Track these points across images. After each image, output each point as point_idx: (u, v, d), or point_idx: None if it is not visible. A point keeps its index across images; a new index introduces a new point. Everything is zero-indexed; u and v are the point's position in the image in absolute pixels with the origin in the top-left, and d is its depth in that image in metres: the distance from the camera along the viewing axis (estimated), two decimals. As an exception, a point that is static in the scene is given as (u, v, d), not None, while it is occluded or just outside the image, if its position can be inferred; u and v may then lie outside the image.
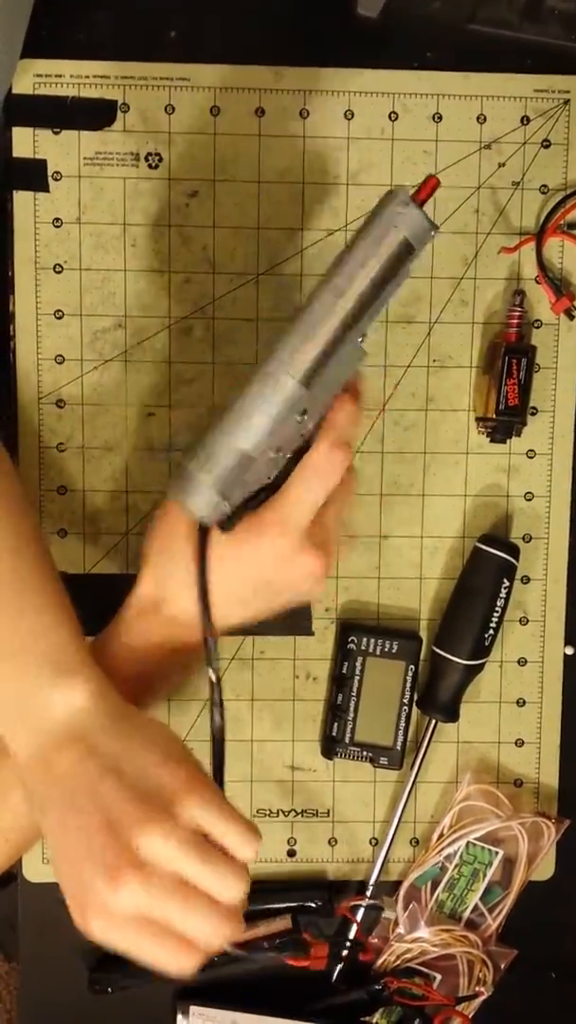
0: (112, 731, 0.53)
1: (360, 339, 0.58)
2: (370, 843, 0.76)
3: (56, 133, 0.71)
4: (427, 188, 0.57)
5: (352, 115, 0.72)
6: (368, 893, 0.75)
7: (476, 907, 0.76)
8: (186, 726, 0.74)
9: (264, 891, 0.73)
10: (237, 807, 0.53)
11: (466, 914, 0.76)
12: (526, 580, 0.76)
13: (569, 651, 0.76)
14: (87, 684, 0.54)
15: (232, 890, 0.51)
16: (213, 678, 0.58)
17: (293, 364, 0.56)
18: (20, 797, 0.56)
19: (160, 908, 0.49)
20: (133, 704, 0.63)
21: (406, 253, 0.57)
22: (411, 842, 0.76)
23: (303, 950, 0.73)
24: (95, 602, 0.72)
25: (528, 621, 0.76)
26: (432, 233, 0.57)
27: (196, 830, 0.51)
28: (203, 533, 0.57)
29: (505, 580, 0.73)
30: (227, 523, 0.57)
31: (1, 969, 1.39)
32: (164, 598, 0.61)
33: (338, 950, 0.74)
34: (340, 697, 0.74)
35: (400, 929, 0.75)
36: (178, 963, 0.51)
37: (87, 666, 0.54)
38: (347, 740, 0.74)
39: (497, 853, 0.75)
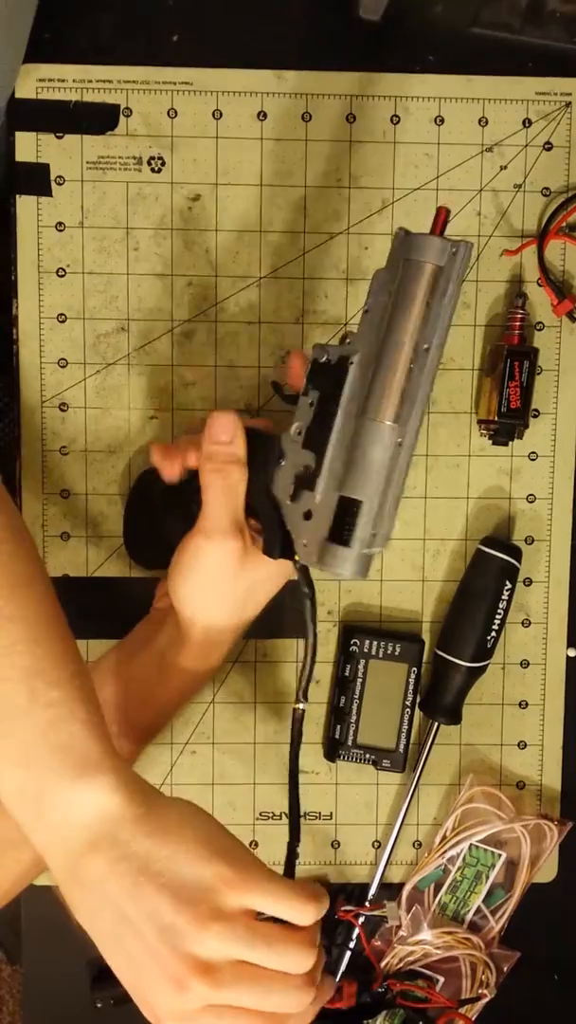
0: (142, 829, 0.50)
1: (426, 348, 0.58)
2: (373, 846, 0.76)
3: (59, 137, 0.71)
4: (440, 220, 0.59)
5: (354, 118, 0.72)
6: (370, 896, 0.75)
7: (479, 909, 0.76)
8: (191, 725, 0.74)
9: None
10: (282, 879, 0.52)
11: (469, 916, 0.76)
12: (528, 582, 0.76)
13: (571, 653, 0.76)
14: (109, 778, 0.51)
15: (300, 965, 0.50)
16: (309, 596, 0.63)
17: (382, 410, 0.59)
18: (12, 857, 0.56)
19: (234, 999, 0.49)
20: (153, 716, 0.65)
21: (437, 278, 0.58)
22: (414, 844, 0.76)
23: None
24: (98, 605, 0.73)
25: (530, 623, 0.76)
26: (453, 250, 0.58)
27: (250, 916, 0.50)
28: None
29: (507, 582, 0.73)
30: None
31: (3, 972, 1.39)
32: (177, 610, 0.65)
33: (366, 982, 0.74)
34: (342, 700, 0.74)
35: (403, 932, 0.75)
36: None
37: (107, 757, 0.51)
38: (349, 743, 0.74)
39: (500, 855, 0.75)
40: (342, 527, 0.59)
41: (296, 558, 0.62)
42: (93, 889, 0.50)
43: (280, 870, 0.70)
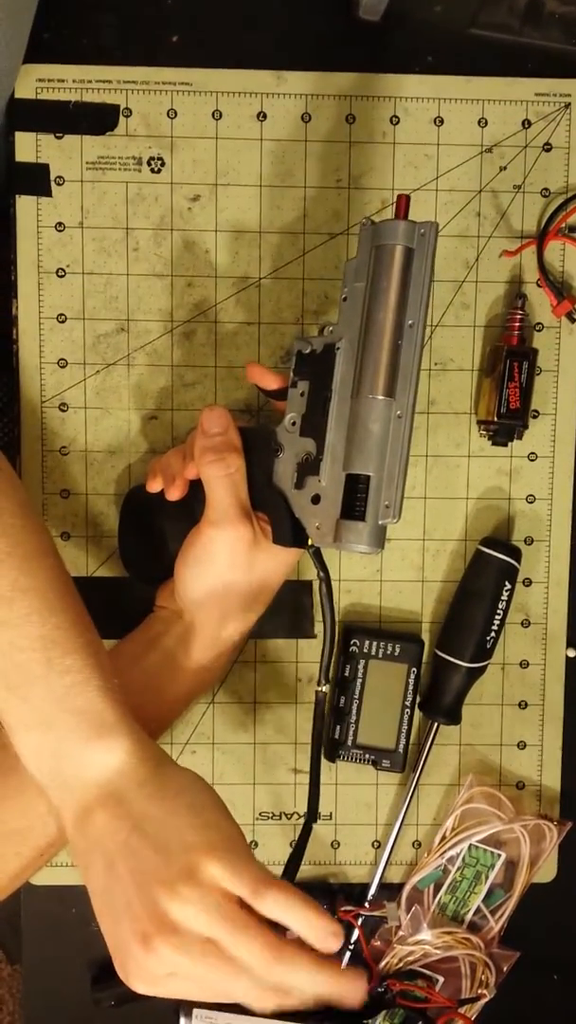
0: (146, 790, 0.53)
1: (410, 324, 0.61)
2: (372, 846, 0.76)
3: (59, 138, 0.71)
4: (401, 206, 0.61)
5: (353, 119, 0.72)
6: (370, 896, 0.75)
7: (478, 909, 0.76)
8: (191, 725, 0.74)
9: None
10: (262, 870, 0.52)
11: (468, 916, 0.76)
12: (528, 583, 0.76)
13: (571, 653, 0.76)
14: (122, 741, 0.53)
15: (259, 962, 0.50)
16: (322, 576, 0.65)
17: (375, 385, 0.60)
18: (45, 806, 0.57)
19: (194, 968, 0.50)
20: (162, 710, 0.66)
21: (409, 258, 0.61)
22: (413, 845, 0.76)
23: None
24: (98, 605, 0.72)
25: (530, 624, 0.76)
26: (421, 231, 0.60)
27: (224, 892, 0.50)
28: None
29: (507, 583, 0.73)
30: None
31: (3, 972, 1.39)
32: (185, 608, 0.66)
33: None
34: (342, 700, 0.74)
35: (402, 932, 0.75)
36: (228, 1000, 0.51)
37: (121, 722, 0.54)
38: (349, 743, 0.74)
39: (499, 855, 0.75)
40: (353, 504, 0.61)
41: (309, 542, 0.63)
42: (93, 840, 0.53)
43: (279, 871, 0.70)
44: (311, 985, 0.52)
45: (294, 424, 0.64)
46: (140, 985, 0.51)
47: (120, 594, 0.73)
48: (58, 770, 0.53)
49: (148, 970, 0.50)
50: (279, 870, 0.73)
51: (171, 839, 0.51)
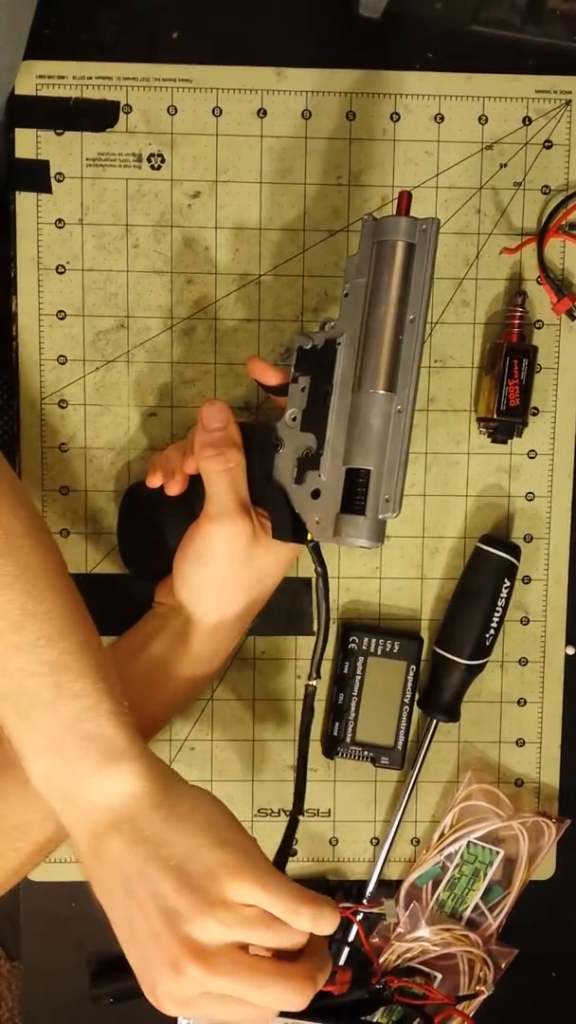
0: (159, 813, 0.52)
1: (411, 319, 0.61)
2: (371, 843, 0.76)
3: (59, 134, 0.71)
4: (403, 203, 0.62)
5: (354, 116, 0.72)
6: (369, 893, 0.75)
7: (477, 906, 0.76)
8: (190, 721, 0.74)
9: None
10: (285, 879, 0.52)
11: (467, 913, 0.76)
12: (527, 580, 0.76)
13: (570, 651, 0.76)
14: (133, 765, 0.53)
15: (299, 941, 0.51)
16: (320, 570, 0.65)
17: (376, 380, 0.61)
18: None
19: (228, 988, 0.50)
20: (160, 705, 0.66)
21: (410, 254, 0.61)
22: (412, 842, 0.77)
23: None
24: (97, 602, 0.72)
25: (529, 621, 0.76)
26: (423, 227, 0.61)
27: (250, 909, 0.50)
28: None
29: (506, 580, 0.73)
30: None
31: (2, 968, 1.39)
32: (184, 603, 0.66)
33: (362, 976, 0.74)
34: (341, 697, 0.74)
35: (401, 929, 0.75)
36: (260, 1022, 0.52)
37: (132, 744, 0.53)
38: (348, 740, 0.74)
39: (498, 853, 0.75)
40: (353, 498, 0.61)
41: (308, 537, 0.63)
42: (110, 867, 0.52)
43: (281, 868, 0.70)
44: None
45: (294, 419, 0.64)
46: (172, 1009, 0.51)
47: (119, 591, 0.73)
48: (69, 795, 0.53)
49: (180, 994, 0.50)
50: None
51: (190, 863, 0.51)
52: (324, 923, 0.52)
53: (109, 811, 0.52)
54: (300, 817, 0.67)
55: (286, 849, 0.66)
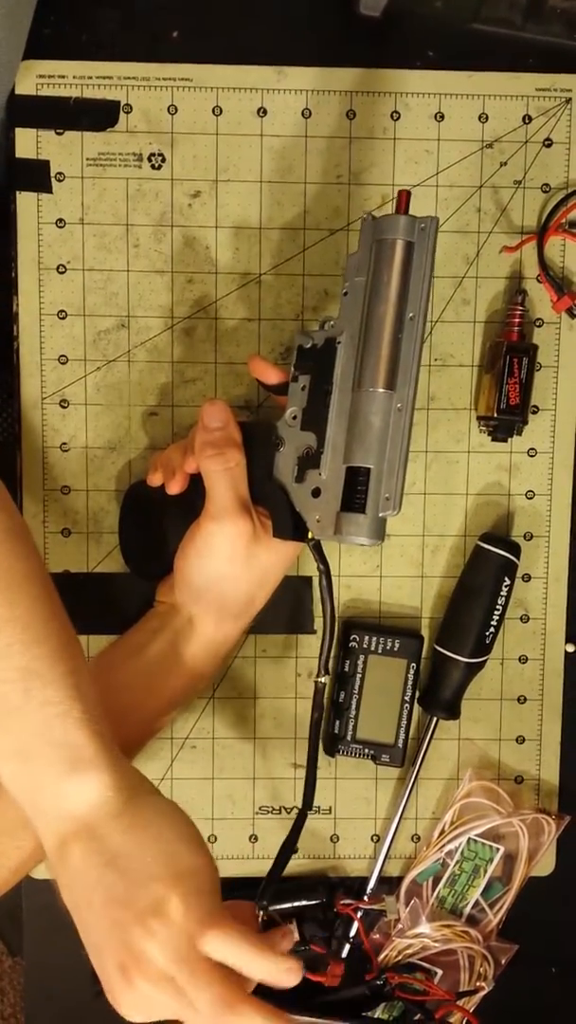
0: (120, 822, 0.53)
1: (411, 317, 0.61)
2: (371, 840, 0.77)
3: (59, 134, 0.71)
4: (402, 201, 0.62)
5: (354, 114, 0.72)
6: (369, 890, 0.76)
7: (477, 903, 0.76)
8: (191, 720, 0.75)
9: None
10: (221, 909, 0.52)
11: (467, 910, 0.76)
12: (527, 578, 0.76)
13: (570, 648, 0.77)
14: (99, 775, 0.53)
15: (209, 1010, 0.51)
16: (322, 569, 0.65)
17: (376, 378, 0.61)
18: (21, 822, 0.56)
19: (168, 1001, 0.51)
20: (162, 708, 0.66)
21: (409, 253, 0.61)
22: (412, 838, 0.77)
23: (319, 962, 0.73)
24: (99, 601, 0.73)
25: (529, 619, 0.76)
26: (422, 225, 0.61)
27: (189, 934, 0.51)
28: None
29: (506, 578, 0.73)
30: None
31: (4, 963, 1.39)
32: (185, 602, 0.67)
33: (364, 971, 0.75)
34: (342, 695, 0.74)
35: (401, 925, 0.75)
36: None
37: (100, 753, 0.53)
38: (349, 737, 0.74)
39: (498, 849, 0.75)
40: (353, 496, 0.61)
41: (309, 535, 0.63)
42: (72, 873, 0.53)
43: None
44: None
45: (295, 418, 0.65)
46: (133, 1015, 0.52)
47: (120, 590, 0.73)
48: (36, 801, 0.53)
49: (132, 1001, 0.51)
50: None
51: (139, 871, 0.51)
52: (233, 954, 0.51)
53: (73, 819, 0.53)
54: (309, 813, 0.68)
55: (291, 844, 0.67)
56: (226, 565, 0.65)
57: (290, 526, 0.64)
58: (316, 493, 0.63)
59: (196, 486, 0.66)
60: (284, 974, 0.53)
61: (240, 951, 0.52)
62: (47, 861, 0.54)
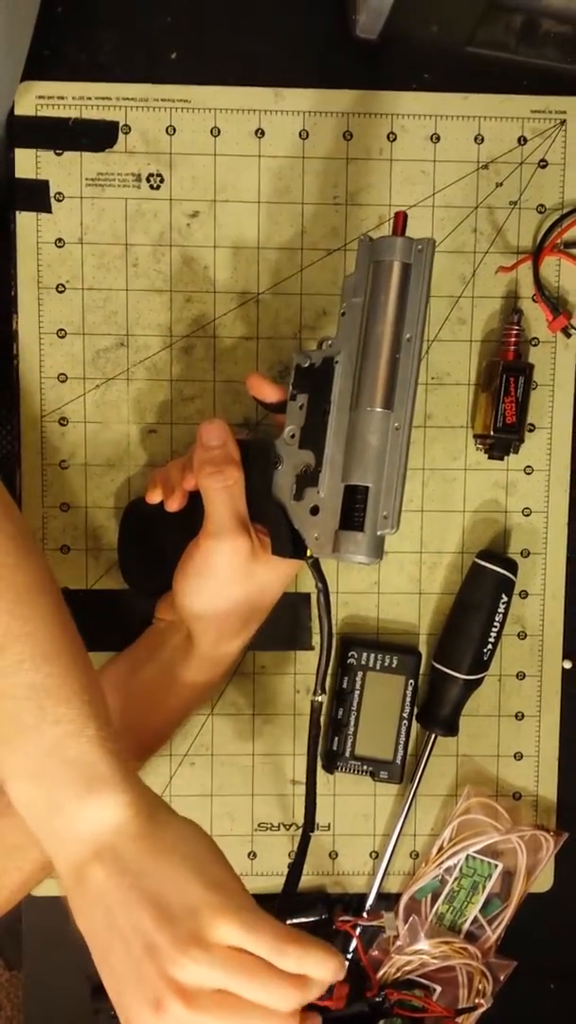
0: (142, 844, 0.51)
1: (408, 337, 0.62)
2: (370, 856, 0.77)
3: (58, 154, 0.71)
4: (399, 223, 0.62)
5: (351, 136, 0.73)
6: (368, 906, 0.76)
7: (476, 919, 0.76)
8: (190, 736, 0.75)
9: (264, 905, 0.74)
10: (270, 919, 0.50)
11: (466, 926, 0.76)
12: (524, 595, 0.76)
13: (567, 665, 0.77)
14: (116, 794, 0.51)
15: (281, 1001, 0.49)
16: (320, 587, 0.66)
17: (373, 398, 0.61)
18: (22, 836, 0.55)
19: (209, 1021, 0.48)
20: (161, 722, 0.67)
21: (407, 274, 0.62)
22: (411, 855, 0.77)
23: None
24: (98, 618, 0.73)
25: (526, 635, 0.77)
26: (419, 247, 0.62)
27: (231, 954, 0.49)
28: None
29: (503, 595, 0.73)
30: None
31: (2, 977, 1.39)
32: (184, 620, 0.67)
33: (363, 988, 0.75)
34: (340, 712, 0.74)
35: (400, 942, 0.75)
36: None
37: (116, 772, 0.52)
38: (347, 754, 0.74)
39: (496, 866, 0.75)
40: (352, 514, 0.61)
41: (308, 553, 0.64)
42: (91, 897, 0.50)
43: (279, 882, 0.71)
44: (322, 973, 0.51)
45: (293, 437, 0.65)
46: None
47: (119, 607, 0.73)
48: (51, 822, 0.51)
49: None
50: (278, 880, 0.74)
51: (173, 899, 0.49)
52: (312, 964, 0.50)
53: (91, 841, 0.51)
54: (311, 834, 0.68)
55: (299, 867, 0.67)
56: (225, 583, 0.65)
57: (289, 544, 0.64)
58: (315, 511, 0.63)
59: (195, 503, 0.66)
60: (341, 970, 0.51)
61: (319, 958, 0.50)
62: (61, 884, 0.52)
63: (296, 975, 0.50)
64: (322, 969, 0.50)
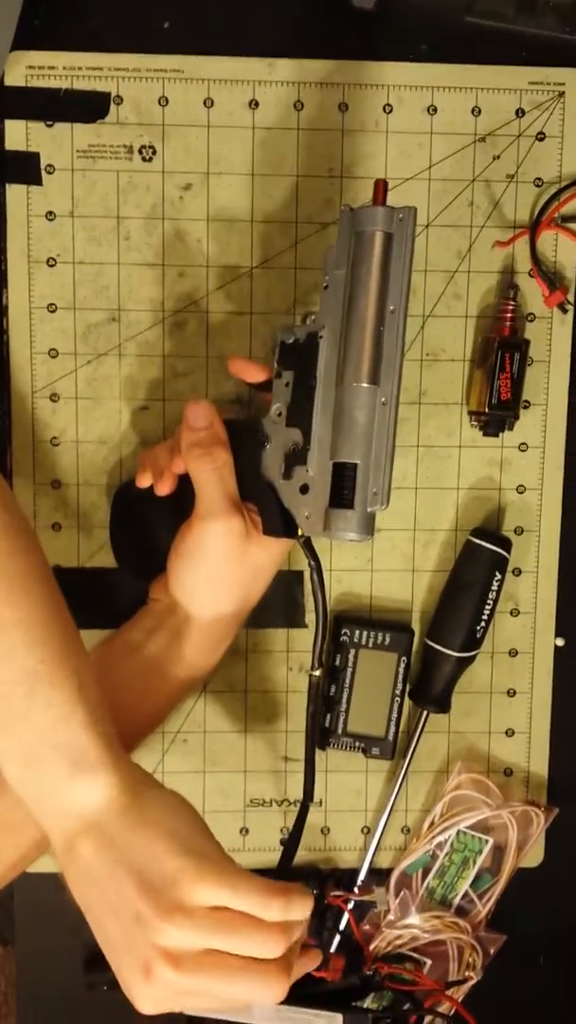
0: (127, 820, 0.53)
1: (391, 309, 0.61)
2: (362, 832, 0.77)
3: (49, 126, 0.70)
4: (379, 191, 0.61)
5: (346, 107, 0.72)
6: (360, 881, 0.76)
7: (466, 894, 0.77)
8: (183, 713, 0.75)
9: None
10: (249, 876, 0.53)
11: (456, 901, 0.77)
12: (518, 572, 0.76)
13: (559, 642, 0.77)
14: (104, 775, 0.53)
15: (268, 950, 0.52)
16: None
17: (359, 373, 0.61)
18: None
19: (200, 986, 0.51)
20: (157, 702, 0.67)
21: (388, 244, 0.61)
22: (402, 831, 0.77)
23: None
24: (90, 596, 0.73)
25: (519, 613, 0.77)
26: (400, 216, 0.61)
27: (213, 914, 0.51)
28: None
29: (497, 573, 0.73)
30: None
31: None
32: (179, 601, 0.67)
33: (354, 962, 0.76)
34: (333, 688, 0.74)
35: (391, 916, 0.76)
36: (238, 1015, 0.54)
37: (105, 753, 0.54)
38: (339, 731, 0.74)
39: (487, 841, 0.76)
40: (341, 492, 0.61)
41: (300, 532, 0.63)
42: (82, 871, 0.53)
43: (275, 857, 0.71)
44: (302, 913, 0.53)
45: (280, 415, 0.65)
46: (150, 1007, 0.52)
47: (111, 585, 0.73)
48: (42, 801, 0.54)
49: (154, 996, 0.52)
50: (272, 856, 0.75)
51: (155, 870, 0.51)
52: (295, 909, 0.52)
53: (80, 818, 0.53)
54: (309, 805, 0.69)
55: (296, 838, 0.69)
56: (219, 564, 0.65)
57: (280, 523, 0.64)
58: (304, 489, 0.63)
59: (186, 484, 0.66)
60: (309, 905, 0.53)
61: (305, 904, 0.53)
62: (55, 858, 0.55)
63: (280, 925, 0.52)
64: (302, 911, 0.53)
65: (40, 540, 0.72)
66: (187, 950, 0.51)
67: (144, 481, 0.68)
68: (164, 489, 0.66)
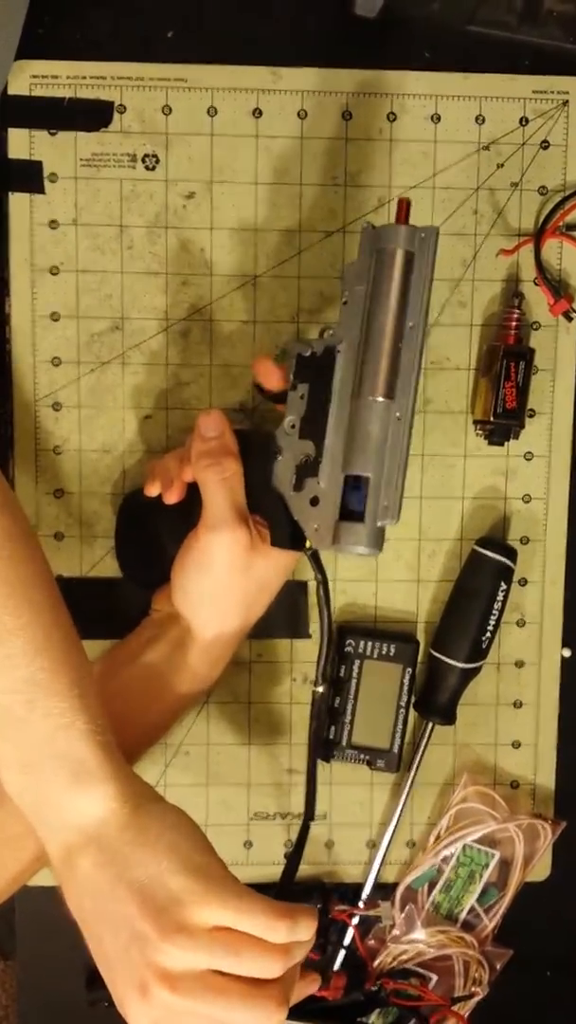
0: (127, 835, 0.52)
1: (411, 326, 0.61)
2: (367, 846, 0.76)
3: (52, 134, 0.70)
4: (402, 210, 0.62)
5: (350, 116, 0.72)
6: (365, 896, 0.75)
7: (472, 908, 0.76)
8: (185, 725, 0.74)
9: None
10: (253, 896, 0.52)
11: (462, 915, 0.76)
12: (523, 582, 0.76)
13: (566, 653, 0.76)
14: (104, 787, 0.52)
15: (271, 970, 0.51)
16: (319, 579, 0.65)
17: (375, 387, 0.61)
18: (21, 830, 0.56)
19: (200, 1008, 0.50)
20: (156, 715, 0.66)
21: (410, 262, 0.61)
22: (408, 844, 0.77)
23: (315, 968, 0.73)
24: (92, 605, 0.72)
25: (525, 623, 0.76)
26: (422, 235, 0.61)
27: (215, 930, 0.50)
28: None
29: (502, 583, 0.73)
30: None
31: (-3, 965, 1.39)
32: (182, 612, 0.66)
33: (359, 981, 0.75)
34: (337, 700, 0.74)
35: (397, 931, 0.75)
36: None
37: (105, 764, 0.53)
38: (344, 743, 0.74)
39: (493, 855, 0.75)
40: (352, 505, 0.61)
41: (307, 545, 0.63)
42: (80, 885, 0.52)
43: (279, 870, 0.70)
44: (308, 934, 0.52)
45: (293, 427, 0.64)
46: None
47: (114, 594, 0.72)
48: (41, 812, 0.53)
49: (149, 1015, 0.50)
50: (274, 870, 0.74)
51: (157, 887, 0.50)
52: (301, 930, 0.51)
53: (79, 831, 0.52)
54: (311, 823, 0.68)
55: (298, 855, 0.68)
56: (224, 575, 0.64)
57: (288, 535, 0.64)
58: (314, 502, 0.63)
59: (194, 495, 0.65)
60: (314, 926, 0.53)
61: (311, 925, 0.52)
62: (53, 871, 0.54)
63: (282, 947, 0.51)
64: (307, 932, 0.52)
65: (44, 552, 0.72)
66: (186, 971, 0.50)
67: (153, 489, 0.67)
68: (173, 498, 0.66)
